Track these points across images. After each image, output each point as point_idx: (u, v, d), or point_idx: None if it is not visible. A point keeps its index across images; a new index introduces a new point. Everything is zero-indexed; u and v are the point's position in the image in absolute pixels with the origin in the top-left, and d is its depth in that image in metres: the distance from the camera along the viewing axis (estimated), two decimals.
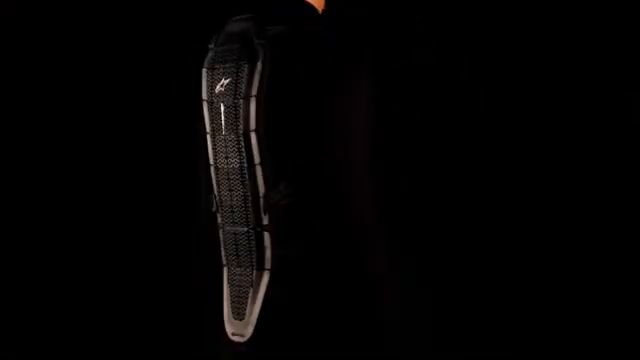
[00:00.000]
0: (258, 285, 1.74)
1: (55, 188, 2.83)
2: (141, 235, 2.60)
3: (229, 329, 1.76)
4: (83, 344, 2.84)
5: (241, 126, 1.74)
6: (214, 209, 1.80)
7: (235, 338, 1.75)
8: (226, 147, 1.76)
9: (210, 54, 1.80)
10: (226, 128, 1.76)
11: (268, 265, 1.73)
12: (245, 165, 1.74)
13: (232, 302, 1.77)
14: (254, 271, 1.74)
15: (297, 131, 1.73)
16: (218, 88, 1.76)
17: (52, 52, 2.79)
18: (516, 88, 2.80)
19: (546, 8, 2.77)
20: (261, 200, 1.73)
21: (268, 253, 1.73)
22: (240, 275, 1.76)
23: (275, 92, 1.72)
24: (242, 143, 1.74)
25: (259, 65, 1.72)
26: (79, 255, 2.83)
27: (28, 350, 2.88)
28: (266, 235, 1.73)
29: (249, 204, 1.74)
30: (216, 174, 1.79)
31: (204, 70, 1.79)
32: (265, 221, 1.74)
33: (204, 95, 1.79)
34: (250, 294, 1.74)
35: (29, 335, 2.87)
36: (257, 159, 1.73)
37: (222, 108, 1.76)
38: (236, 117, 1.74)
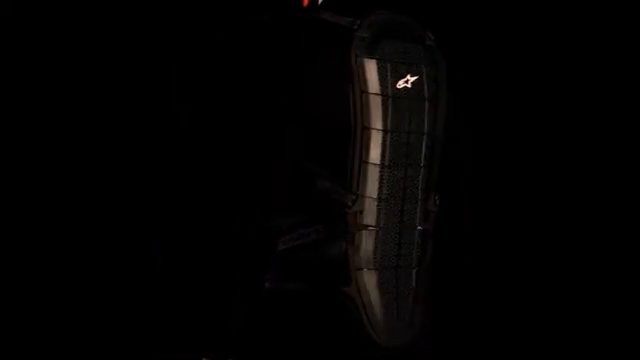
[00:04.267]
0: (420, 284, 1.73)
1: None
2: None
3: (385, 334, 1.70)
4: None
5: (427, 127, 1.71)
6: (357, 208, 1.69)
7: (395, 341, 1.71)
8: (408, 146, 1.71)
9: (380, 46, 1.69)
10: (412, 127, 1.71)
11: (428, 263, 1.74)
12: (426, 165, 1.72)
13: (385, 306, 1.71)
14: (414, 270, 1.72)
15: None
16: (402, 84, 1.69)
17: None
18: (513, 88, 2.80)
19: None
20: (431, 200, 1.74)
21: (429, 251, 1.74)
22: (397, 276, 1.72)
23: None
24: (428, 143, 1.71)
25: (443, 69, 1.72)
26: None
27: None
28: (428, 234, 1.74)
29: (421, 204, 1.72)
30: (381, 172, 1.69)
31: (373, 62, 1.68)
32: (429, 220, 1.74)
33: (377, 89, 1.68)
34: (412, 294, 1.72)
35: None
36: (436, 160, 1.73)
37: (407, 105, 1.70)
38: (424, 117, 1.71)
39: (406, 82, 1.69)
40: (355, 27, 1.68)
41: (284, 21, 1.73)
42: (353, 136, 1.67)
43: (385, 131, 1.68)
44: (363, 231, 1.69)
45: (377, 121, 1.68)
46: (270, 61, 1.74)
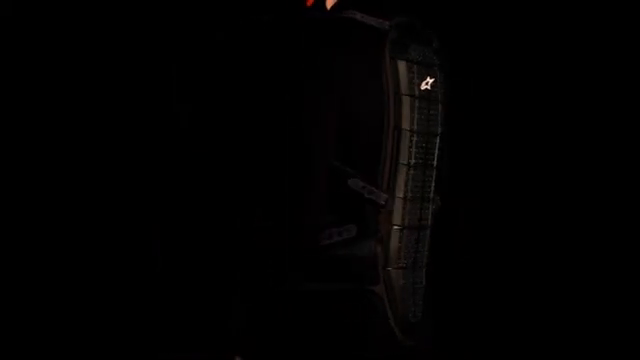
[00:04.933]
0: (428, 282, 1.75)
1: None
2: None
3: (406, 332, 1.72)
4: None
5: (440, 128, 1.74)
6: (389, 208, 1.71)
7: (412, 339, 1.73)
8: (427, 146, 1.73)
9: (409, 48, 1.71)
10: (430, 129, 1.73)
11: (430, 262, 1.76)
12: (437, 165, 1.75)
13: (406, 303, 1.73)
14: (423, 269, 1.75)
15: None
16: (424, 86, 1.71)
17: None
18: (513, 88, 2.80)
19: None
20: (436, 200, 1.77)
21: (432, 251, 1.77)
22: (414, 275, 1.74)
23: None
24: (439, 145, 1.74)
25: (449, 71, 1.75)
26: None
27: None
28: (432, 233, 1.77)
29: (432, 203, 1.75)
30: (408, 173, 1.71)
31: (403, 63, 1.69)
32: (434, 220, 1.77)
33: (407, 90, 1.70)
34: (423, 292, 1.75)
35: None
36: (444, 160, 1.76)
37: (427, 107, 1.72)
38: (438, 119, 1.73)
39: (426, 84, 1.72)
40: (387, 28, 1.69)
41: (285, 21, 1.73)
42: (386, 136, 1.68)
43: (412, 132, 1.70)
44: (392, 230, 1.71)
45: (407, 122, 1.70)
46: (270, 61, 1.74)
